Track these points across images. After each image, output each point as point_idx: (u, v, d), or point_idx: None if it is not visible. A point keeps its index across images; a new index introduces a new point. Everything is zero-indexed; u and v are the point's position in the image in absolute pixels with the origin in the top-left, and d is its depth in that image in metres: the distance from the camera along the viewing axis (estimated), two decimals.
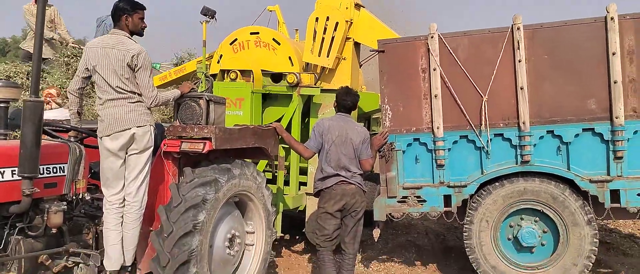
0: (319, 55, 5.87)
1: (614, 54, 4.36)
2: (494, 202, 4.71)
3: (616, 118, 4.36)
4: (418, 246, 6.33)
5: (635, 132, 4.38)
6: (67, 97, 3.99)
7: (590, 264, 4.55)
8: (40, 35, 3.31)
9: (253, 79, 5.72)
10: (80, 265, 3.66)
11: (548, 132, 4.56)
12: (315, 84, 5.86)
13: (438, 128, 4.76)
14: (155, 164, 3.84)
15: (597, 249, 4.55)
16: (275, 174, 5.69)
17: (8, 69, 7.79)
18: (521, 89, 4.57)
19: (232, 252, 4.09)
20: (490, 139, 4.66)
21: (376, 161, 4.88)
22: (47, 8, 5.62)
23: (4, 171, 3.30)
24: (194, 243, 3.54)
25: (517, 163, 4.66)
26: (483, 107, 4.66)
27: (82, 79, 3.74)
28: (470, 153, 4.79)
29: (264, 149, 4.42)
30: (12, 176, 3.32)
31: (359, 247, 4.62)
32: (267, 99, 5.95)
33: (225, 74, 6.02)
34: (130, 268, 3.72)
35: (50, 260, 3.55)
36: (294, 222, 6.19)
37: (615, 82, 4.36)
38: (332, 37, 5.84)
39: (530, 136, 4.56)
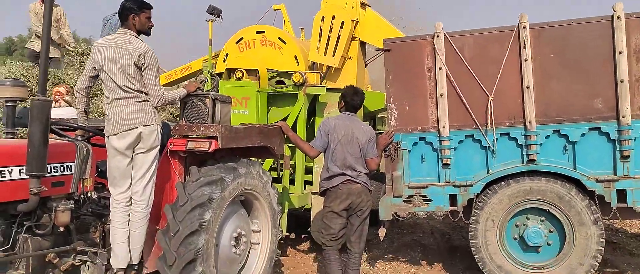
0: (325, 55, 5.87)
1: (620, 53, 4.34)
2: (499, 202, 4.70)
3: (623, 117, 4.34)
4: (423, 246, 6.32)
5: None
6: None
7: (597, 264, 4.54)
8: (47, 34, 3.33)
9: (259, 78, 5.73)
10: (87, 263, 3.68)
11: (554, 131, 4.55)
12: (320, 83, 5.86)
13: (444, 127, 4.75)
14: (161, 163, 3.85)
15: (603, 249, 4.54)
16: (281, 173, 5.71)
17: (15, 68, 7.76)
18: (527, 88, 4.56)
19: (238, 251, 4.10)
20: (496, 139, 4.65)
21: (382, 160, 4.88)
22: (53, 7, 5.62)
23: (11, 170, 3.32)
24: (200, 242, 3.55)
25: (523, 162, 4.65)
26: (489, 106, 4.64)
27: (89, 78, 3.76)
28: (476, 152, 4.78)
29: (270, 148, 4.43)
30: (20, 175, 3.34)
31: (365, 246, 4.62)
32: (273, 98, 5.96)
33: (231, 73, 6.04)
34: (136, 266, 3.74)
35: (57, 258, 3.56)
36: (299, 221, 6.20)
37: (621, 82, 4.34)
38: (338, 36, 5.84)
39: (536, 135, 4.55)
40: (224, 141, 3.78)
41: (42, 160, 3.27)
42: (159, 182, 3.84)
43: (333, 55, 5.86)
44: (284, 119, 5.57)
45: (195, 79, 6.89)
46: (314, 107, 6.02)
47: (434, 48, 4.79)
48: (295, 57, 5.97)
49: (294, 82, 5.68)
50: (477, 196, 4.79)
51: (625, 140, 4.35)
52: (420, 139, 4.87)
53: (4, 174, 3.29)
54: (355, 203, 4.29)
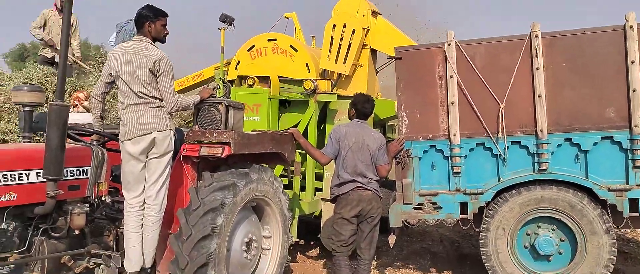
0: (336, 62, 5.91)
1: (632, 62, 4.33)
2: (510, 210, 4.69)
3: (635, 127, 4.33)
4: (433, 253, 6.32)
5: None
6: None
7: (608, 273, 4.51)
8: (65, 40, 3.40)
9: (270, 85, 5.77)
10: (101, 266, 3.74)
11: (566, 140, 4.54)
12: (331, 91, 5.90)
13: (454, 135, 4.76)
14: (174, 168, 3.90)
15: (615, 258, 4.51)
16: (292, 179, 5.73)
17: (35, 75, 7.65)
18: (539, 96, 4.56)
19: (249, 256, 4.13)
20: (507, 147, 4.65)
21: (392, 168, 4.89)
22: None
23: (29, 173, 3.39)
24: (212, 246, 3.59)
25: (534, 171, 4.64)
26: (500, 114, 4.65)
27: (105, 84, 3.82)
28: (487, 160, 4.78)
29: (281, 154, 4.46)
30: (37, 178, 3.41)
31: (375, 253, 4.63)
32: (284, 105, 6.00)
33: (243, 80, 6.09)
34: (149, 269, 3.78)
35: (72, 261, 3.62)
36: (309, 227, 6.21)
37: (634, 91, 4.33)
38: (349, 44, 5.88)
39: (547, 143, 4.54)
40: (236, 147, 3.82)
41: (59, 164, 3.33)
42: (172, 187, 3.88)
43: (344, 63, 5.90)
44: (295, 126, 5.61)
45: (208, 86, 6.94)
46: (324, 114, 6.05)
47: (446, 56, 4.81)
48: (307, 64, 6.01)
49: (305, 89, 5.72)
50: (488, 204, 4.78)
51: (637, 149, 4.33)
52: (431, 146, 4.88)
53: (22, 177, 3.35)
54: (366, 210, 4.30)
